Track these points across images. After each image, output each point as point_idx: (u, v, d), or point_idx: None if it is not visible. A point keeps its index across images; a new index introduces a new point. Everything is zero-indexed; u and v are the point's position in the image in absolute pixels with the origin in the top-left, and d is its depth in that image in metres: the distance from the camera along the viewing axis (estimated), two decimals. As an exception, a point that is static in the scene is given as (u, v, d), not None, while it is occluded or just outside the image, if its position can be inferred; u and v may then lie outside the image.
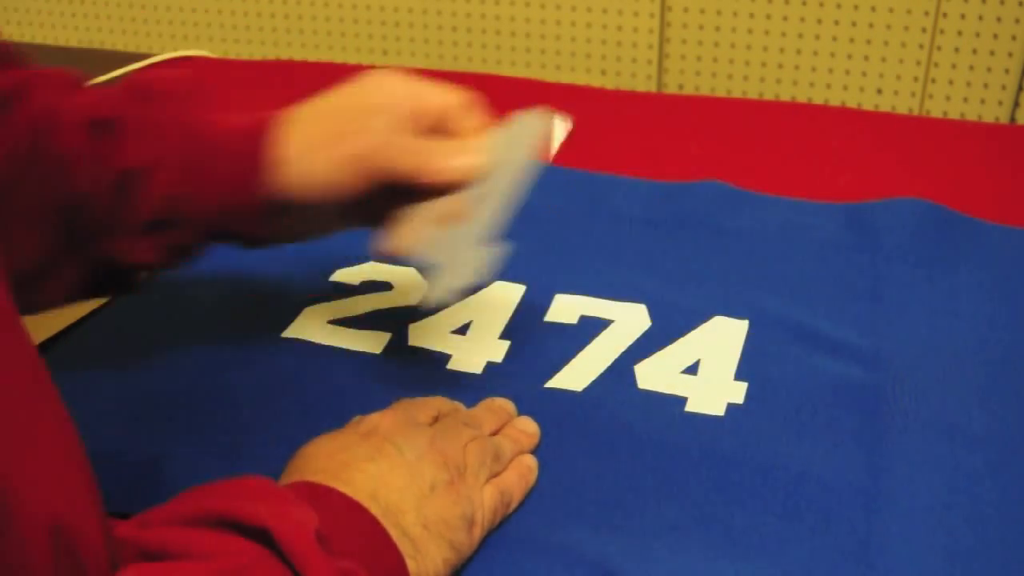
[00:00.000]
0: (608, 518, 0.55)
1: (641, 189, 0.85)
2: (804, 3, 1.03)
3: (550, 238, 0.79)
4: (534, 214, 0.81)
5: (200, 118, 0.60)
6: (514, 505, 0.56)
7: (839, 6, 1.02)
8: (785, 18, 1.04)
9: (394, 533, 0.49)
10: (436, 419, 0.58)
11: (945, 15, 1.00)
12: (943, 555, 0.52)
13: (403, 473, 0.52)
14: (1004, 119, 1.02)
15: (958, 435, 0.60)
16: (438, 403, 0.60)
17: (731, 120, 0.98)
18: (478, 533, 0.53)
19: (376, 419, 0.56)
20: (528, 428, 0.60)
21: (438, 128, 0.60)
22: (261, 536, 0.42)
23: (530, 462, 0.58)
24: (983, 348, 0.67)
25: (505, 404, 0.62)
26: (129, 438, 0.61)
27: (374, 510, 0.49)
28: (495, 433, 0.59)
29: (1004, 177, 0.88)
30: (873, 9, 1.02)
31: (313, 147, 0.58)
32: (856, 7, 1.02)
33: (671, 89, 1.11)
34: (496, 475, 0.56)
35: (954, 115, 1.03)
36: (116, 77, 1.11)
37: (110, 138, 0.58)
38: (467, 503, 0.53)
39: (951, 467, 0.58)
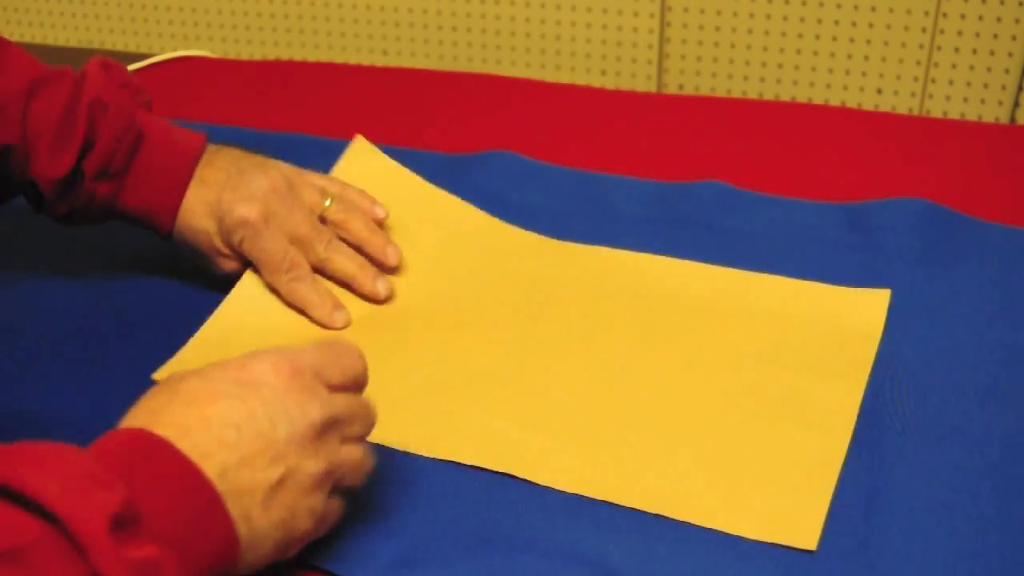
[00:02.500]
0: (608, 518, 0.55)
1: (641, 189, 0.85)
2: (804, 3, 1.03)
3: (550, 238, 0.79)
4: (534, 214, 0.81)
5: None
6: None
7: (839, 6, 1.02)
8: (785, 18, 1.04)
9: (234, 512, 0.45)
10: (343, 388, 0.52)
11: (945, 15, 1.00)
12: (943, 555, 0.52)
13: (261, 446, 0.47)
14: (1004, 119, 1.02)
15: (958, 435, 0.60)
16: (354, 371, 0.53)
17: (731, 120, 0.98)
18: (323, 527, 0.50)
19: (267, 368, 0.49)
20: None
21: None
22: (49, 514, 0.39)
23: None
24: (983, 348, 0.67)
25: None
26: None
27: (217, 483, 0.44)
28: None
29: (1004, 177, 0.88)
30: (873, 9, 1.02)
31: None
32: (856, 7, 1.02)
33: (671, 89, 1.11)
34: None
35: (954, 115, 1.03)
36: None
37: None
38: (322, 496, 0.49)
39: (951, 467, 0.58)
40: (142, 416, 0.47)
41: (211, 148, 0.73)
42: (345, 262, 0.71)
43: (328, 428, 0.50)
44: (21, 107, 0.68)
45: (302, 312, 0.70)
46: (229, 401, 0.47)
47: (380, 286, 0.71)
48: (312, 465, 0.48)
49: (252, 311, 0.70)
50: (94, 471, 0.41)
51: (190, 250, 0.72)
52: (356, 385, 0.53)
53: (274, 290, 0.70)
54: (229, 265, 0.71)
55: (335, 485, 0.51)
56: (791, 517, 0.55)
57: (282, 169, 0.72)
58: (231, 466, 0.45)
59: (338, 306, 0.70)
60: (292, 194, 0.70)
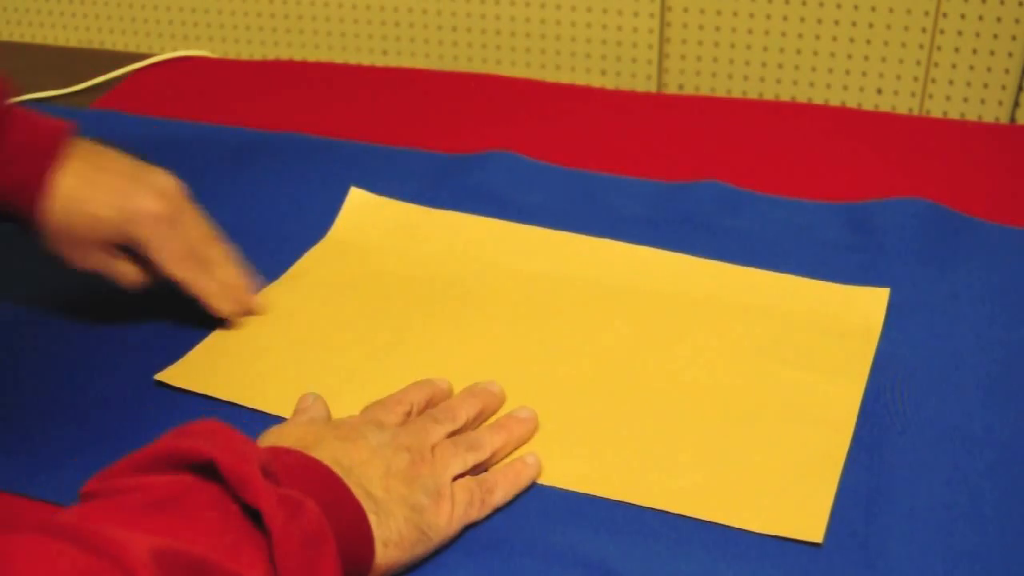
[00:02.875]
0: (608, 518, 0.55)
1: (641, 189, 0.85)
2: (804, 3, 1.03)
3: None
4: (534, 214, 0.81)
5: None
6: (496, 500, 0.55)
7: (839, 6, 1.02)
8: (785, 18, 1.04)
9: (357, 491, 0.49)
10: (409, 415, 0.59)
11: (945, 15, 1.00)
12: (943, 555, 0.53)
13: (366, 451, 0.53)
14: (1004, 119, 1.01)
15: (958, 435, 0.60)
16: (411, 397, 0.60)
17: (731, 120, 0.98)
18: (446, 508, 0.53)
19: (349, 419, 0.58)
20: (521, 414, 0.60)
21: None
22: (207, 470, 0.43)
23: (529, 459, 0.58)
24: (983, 348, 0.67)
25: (489, 386, 0.62)
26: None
27: (338, 471, 0.50)
28: (478, 418, 0.59)
29: (1004, 177, 0.88)
30: (873, 9, 1.01)
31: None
32: (856, 7, 1.02)
33: (671, 89, 1.11)
34: (477, 466, 0.56)
35: (954, 115, 1.03)
36: (116, 77, 1.11)
37: None
38: (430, 478, 0.53)
39: (951, 467, 0.58)
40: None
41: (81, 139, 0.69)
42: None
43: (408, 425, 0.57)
44: None
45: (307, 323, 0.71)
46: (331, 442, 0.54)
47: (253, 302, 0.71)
48: (406, 457, 0.54)
49: (262, 322, 0.70)
50: (240, 435, 0.47)
51: (61, 234, 0.66)
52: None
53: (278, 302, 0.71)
54: (94, 259, 0.67)
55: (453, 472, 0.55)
56: (797, 510, 0.55)
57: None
58: (344, 462, 0.51)
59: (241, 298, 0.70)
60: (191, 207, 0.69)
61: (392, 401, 0.60)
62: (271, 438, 0.54)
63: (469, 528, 0.54)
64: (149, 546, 0.39)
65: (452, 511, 0.53)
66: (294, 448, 0.51)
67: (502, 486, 0.56)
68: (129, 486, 0.43)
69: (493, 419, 0.61)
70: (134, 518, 0.41)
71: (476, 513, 0.54)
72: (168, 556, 0.39)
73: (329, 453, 0.51)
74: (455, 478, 0.55)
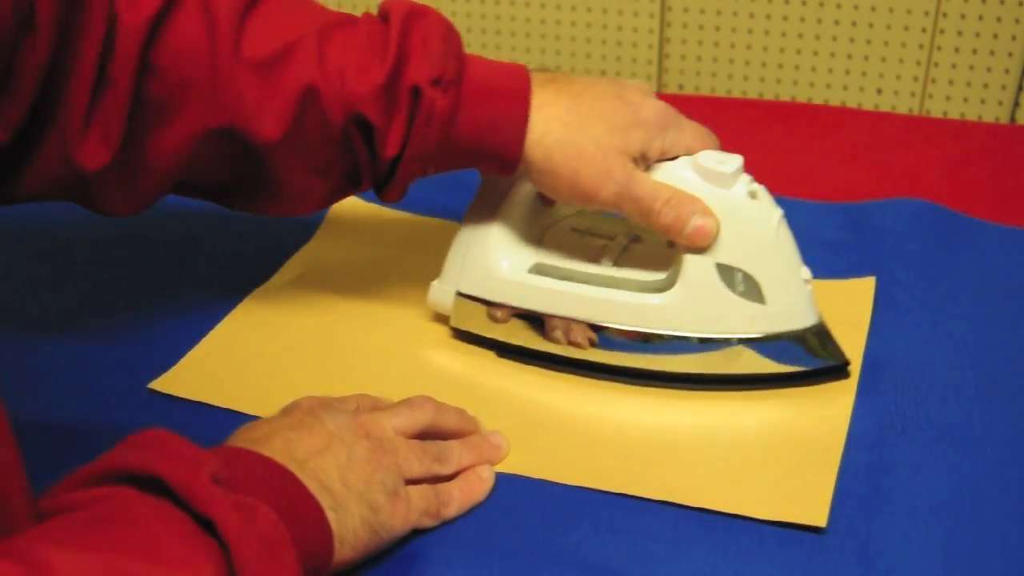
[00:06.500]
0: (608, 518, 0.55)
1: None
2: (804, 3, 1.03)
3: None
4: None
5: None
6: (449, 513, 0.54)
7: (839, 6, 1.02)
8: (785, 18, 1.04)
9: (313, 486, 0.48)
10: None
11: (945, 15, 1.00)
12: (943, 555, 0.52)
13: (322, 438, 0.52)
14: (1004, 119, 1.01)
15: (958, 435, 0.60)
16: (362, 398, 0.59)
17: (731, 120, 0.98)
18: (402, 511, 0.52)
19: (299, 400, 0.57)
20: (494, 439, 0.59)
21: None
22: (153, 483, 0.42)
23: (483, 473, 0.57)
24: (983, 348, 0.67)
25: (463, 411, 0.60)
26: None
27: (292, 467, 0.49)
28: (452, 436, 0.58)
29: (1004, 177, 0.88)
30: (873, 9, 1.01)
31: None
32: (856, 7, 1.02)
33: (671, 89, 1.11)
34: (437, 479, 0.55)
35: (954, 115, 1.03)
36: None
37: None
38: (388, 472, 0.52)
39: (951, 467, 0.58)
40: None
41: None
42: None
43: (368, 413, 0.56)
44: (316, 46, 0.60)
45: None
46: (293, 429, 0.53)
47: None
48: (366, 444, 0.52)
49: (253, 328, 0.70)
50: (187, 444, 0.45)
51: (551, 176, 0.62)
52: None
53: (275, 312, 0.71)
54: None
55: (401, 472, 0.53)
56: (799, 497, 0.55)
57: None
58: (298, 455, 0.50)
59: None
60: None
61: (348, 397, 0.59)
62: (225, 441, 0.52)
63: (468, 528, 0.54)
64: (88, 566, 0.38)
65: (407, 515, 0.52)
66: (245, 447, 0.49)
67: (458, 501, 0.55)
68: (75, 502, 0.42)
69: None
70: (76, 537, 0.39)
71: (428, 522, 0.54)
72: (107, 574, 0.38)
73: (282, 446, 0.50)
74: (411, 481, 0.54)
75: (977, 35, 0.99)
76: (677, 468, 0.58)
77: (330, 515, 0.48)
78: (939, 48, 1.01)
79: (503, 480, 0.57)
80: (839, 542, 0.53)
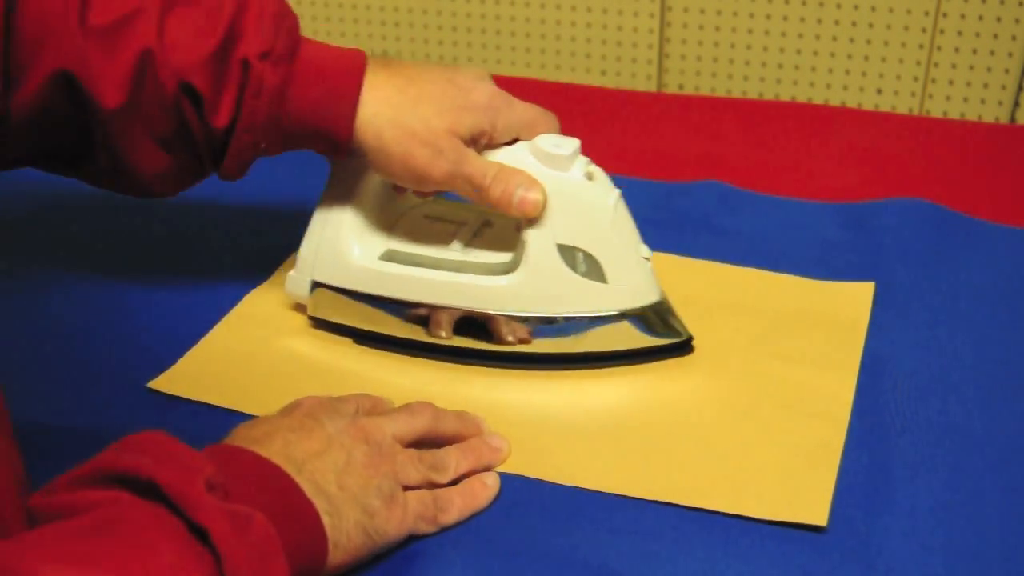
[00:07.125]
0: (608, 518, 0.55)
1: (641, 189, 0.85)
2: (804, 3, 1.03)
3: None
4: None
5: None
6: (448, 519, 0.54)
7: (839, 6, 1.02)
8: (785, 18, 1.04)
9: (309, 489, 0.49)
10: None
11: (945, 15, 1.00)
12: (943, 555, 0.52)
13: (321, 441, 0.52)
14: (1004, 119, 1.01)
15: (958, 435, 0.60)
16: (362, 399, 0.59)
17: (731, 120, 0.98)
18: (398, 515, 0.52)
19: (300, 400, 0.57)
20: (494, 442, 0.59)
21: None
22: (148, 487, 0.42)
23: (488, 480, 0.56)
24: (983, 348, 0.67)
25: (463, 414, 0.60)
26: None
27: (289, 469, 0.49)
28: (451, 441, 0.58)
29: (1004, 177, 0.88)
30: (873, 9, 1.01)
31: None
32: (856, 7, 1.02)
33: (671, 89, 1.11)
34: (435, 486, 0.55)
35: (954, 115, 1.03)
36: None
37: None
38: (385, 477, 0.52)
39: (951, 467, 0.58)
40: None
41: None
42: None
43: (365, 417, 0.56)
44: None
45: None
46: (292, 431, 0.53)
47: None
48: (364, 449, 0.53)
49: (252, 328, 0.70)
50: (182, 448, 0.45)
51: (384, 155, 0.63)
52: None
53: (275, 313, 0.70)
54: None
55: (398, 478, 0.53)
56: (800, 497, 0.55)
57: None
58: (296, 457, 0.50)
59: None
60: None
61: (348, 397, 0.59)
62: (224, 439, 0.52)
63: (468, 528, 0.54)
64: None
65: (403, 520, 0.52)
66: (244, 447, 0.49)
67: (458, 507, 0.55)
68: (69, 506, 0.42)
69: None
70: (66, 550, 0.39)
71: (425, 527, 0.53)
72: None
73: (280, 447, 0.50)
74: (409, 487, 0.54)
75: (977, 35, 0.99)
76: (675, 469, 0.58)
77: (325, 519, 0.49)
78: (939, 48, 1.01)
79: (502, 481, 0.57)
80: (839, 542, 0.53)
